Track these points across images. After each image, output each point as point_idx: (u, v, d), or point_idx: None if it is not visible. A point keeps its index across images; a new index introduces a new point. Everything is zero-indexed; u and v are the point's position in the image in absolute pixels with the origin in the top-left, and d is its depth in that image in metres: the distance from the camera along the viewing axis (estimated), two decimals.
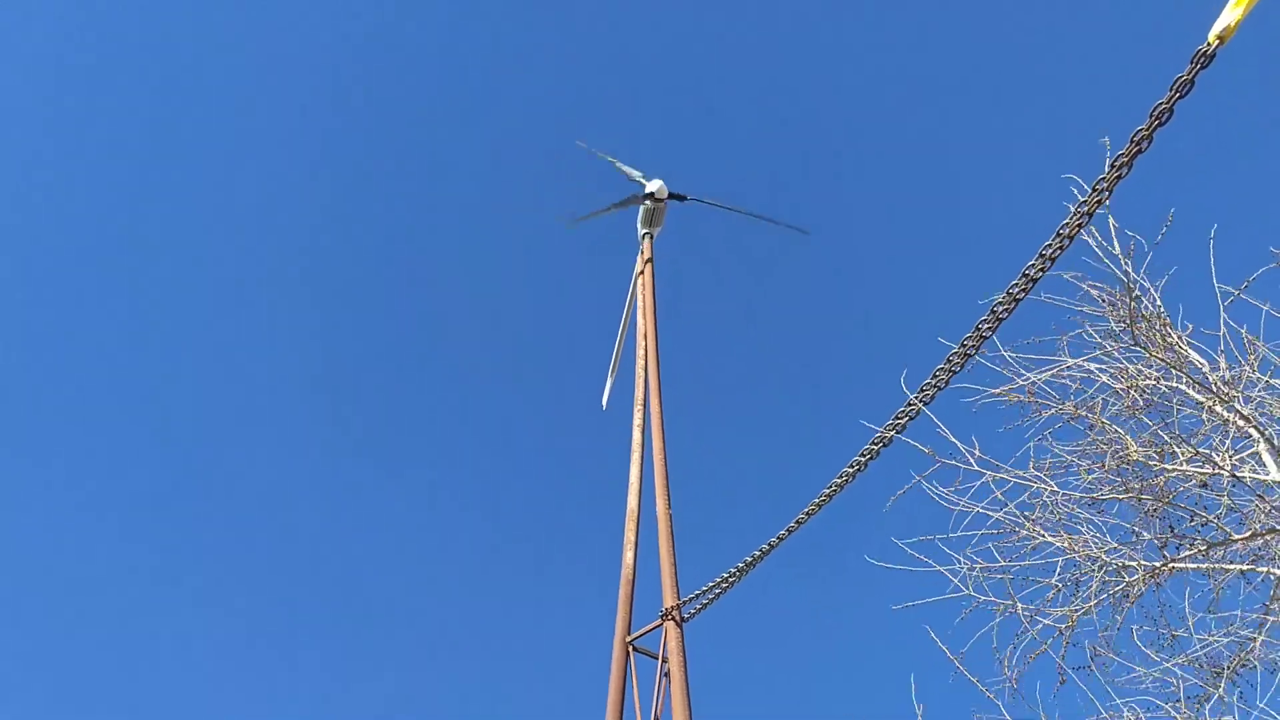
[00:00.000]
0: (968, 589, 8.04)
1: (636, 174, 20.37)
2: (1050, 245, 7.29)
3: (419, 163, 46.92)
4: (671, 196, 19.70)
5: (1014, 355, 7.92)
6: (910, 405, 8.55)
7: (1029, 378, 7.88)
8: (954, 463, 7.83)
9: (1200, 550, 7.89)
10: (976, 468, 7.76)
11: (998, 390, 7.96)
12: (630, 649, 15.67)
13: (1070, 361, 7.72)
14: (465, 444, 47.22)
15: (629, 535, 16.97)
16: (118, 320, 45.22)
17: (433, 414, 47.12)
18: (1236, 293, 7.24)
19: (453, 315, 47.68)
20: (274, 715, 39.63)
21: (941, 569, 7.88)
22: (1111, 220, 7.30)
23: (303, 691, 40.48)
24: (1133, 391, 7.63)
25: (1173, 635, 8.16)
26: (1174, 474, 7.60)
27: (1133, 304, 7.27)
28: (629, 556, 16.73)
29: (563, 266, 44.51)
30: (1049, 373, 7.83)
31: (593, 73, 47.62)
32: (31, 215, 43.24)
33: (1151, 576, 7.91)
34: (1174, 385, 7.50)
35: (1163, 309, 7.50)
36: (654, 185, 19.79)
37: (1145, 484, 7.73)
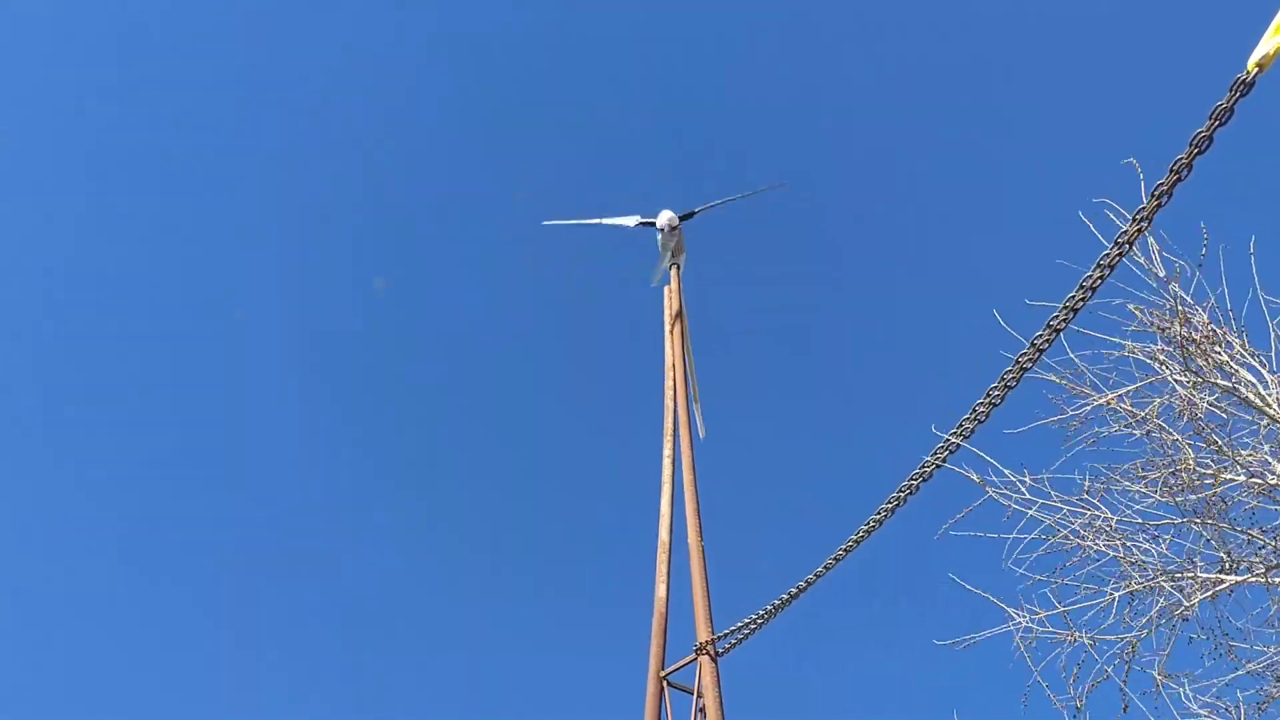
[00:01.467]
0: (1023, 618, 7.88)
1: (630, 221, 20.52)
2: (1090, 276, 7.20)
3: (439, 165, 47.10)
4: (683, 219, 19.81)
5: (1063, 379, 7.81)
6: (949, 440, 8.42)
7: (1082, 401, 7.76)
8: (1004, 491, 7.70)
9: (1259, 574, 7.75)
10: (1028, 495, 7.64)
11: (1053, 421, 7.83)
12: (664, 684, 15.46)
13: (1125, 389, 7.59)
14: (497, 477, 47.17)
15: (661, 568, 16.79)
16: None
17: (464, 446, 47.12)
18: None
19: (485, 340, 47.74)
20: None
21: (1000, 603, 7.73)
22: (1152, 242, 7.22)
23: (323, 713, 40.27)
24: (1189, 410, 7.50)
25: (1231, 647, 8.01)
26: (1231, 483, 7.45)
27: (1182, 328, 7.17)
28: (661, 590, 16.54)
29: (602, 287, 44.43)
30: (1104, 399, 7.71)
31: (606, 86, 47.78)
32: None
33: (1209, 593, 7.77)
34: (1227, 404, 7.38)
35: (1211, 327, 7.39)
36: (662, 219, 19.87)
37: (1201, 497, 7.58)
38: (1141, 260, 7.33)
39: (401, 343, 47.60)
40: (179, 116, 44.57)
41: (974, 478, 7.78)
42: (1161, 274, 7.19)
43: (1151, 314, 7.49)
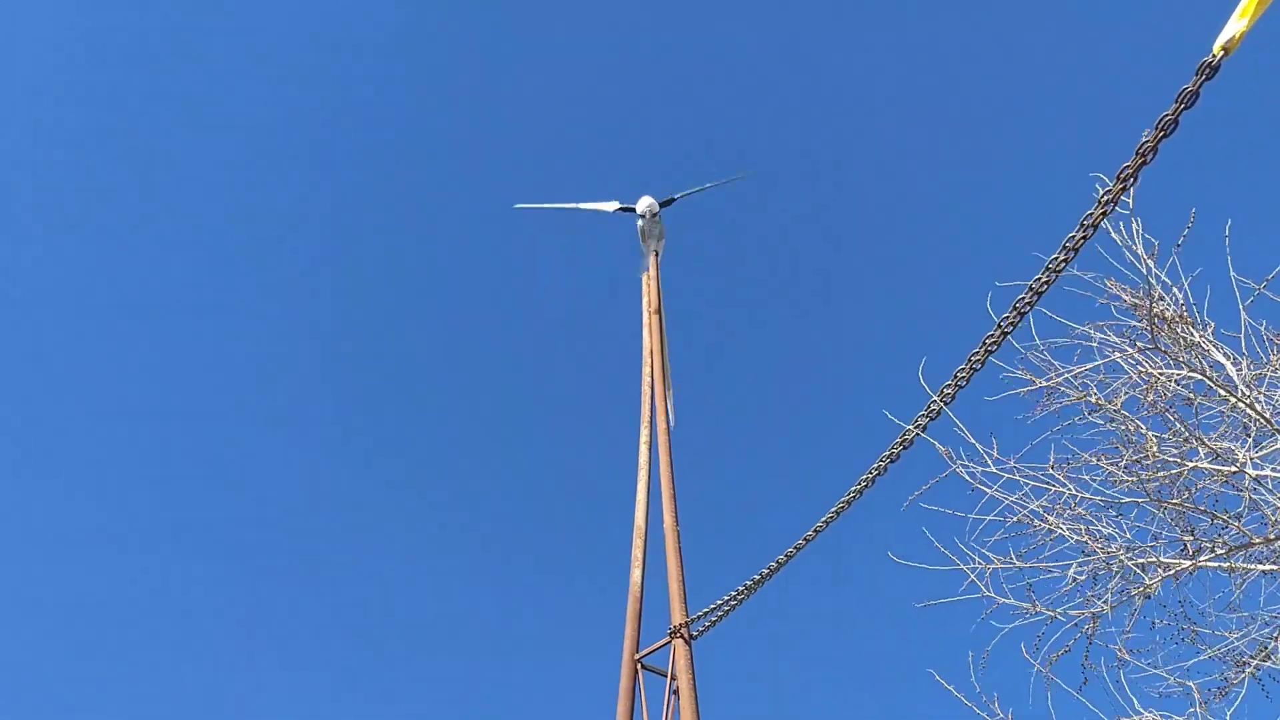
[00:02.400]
0: (988, 590, 8.02)
1: (609, 206, 20.47)
2: (1074, 236, 7.30)
3: (427, 163, 47.09)
4: (663, 205, 19.84)
5: (1034, 355, 7.93)
6: (930, 409, 8.56)
7: (1050, 376, 7.89)
8: (972, 465, 7.83)
9: (1222, 553, 7.89)
10: (994, 469, 7.77)
11: (1022, 391, 7.95)
12: (639, 667, 15.55)
13: (1091, 364, 7.71)
14: (473, 464, 47.18)
15: (636, 552, 16.87)
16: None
17: (440, 434, 47.09)
18: (1259, 289, 7.27)
19: (459, 325, 47.71)
20: None
21: (963, 566, 7.85)
22: (1136, 222, 7.34)
23: (309, 704, 40.18)
24: (1153, 391, 7.64)
25: (1194, 632, 8.15)
26: (1195, 470, 7.60)
27: (1154, 305, 7.29)
28: (636, 574, 16.62)
29: (573, 274, 44.50)
30: (1070, 372, 7.83)
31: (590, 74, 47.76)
32: (39, 212, 43.29)
33: (1171, 576, 7.91)
34: (1196, 380, 7.51)
35: (1184, 308, 7.52)
36: (643, 205, 19.90)
37: (1165, 479, 7.73)
38: (1118, 239, 7.43)
39: (377, 331, 47.51)
40: (179, 113, 44.29)
41: (941, 449, 7.90)
42: (1140, 251, 7.30)
43: (1124, 290, 7.61)
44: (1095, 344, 7.68)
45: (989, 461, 7.77)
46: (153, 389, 45.46)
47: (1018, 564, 7.85)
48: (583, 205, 20.82)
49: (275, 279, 47.06)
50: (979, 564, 7.86)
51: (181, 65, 44.55)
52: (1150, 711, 7.52)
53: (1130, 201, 6.73)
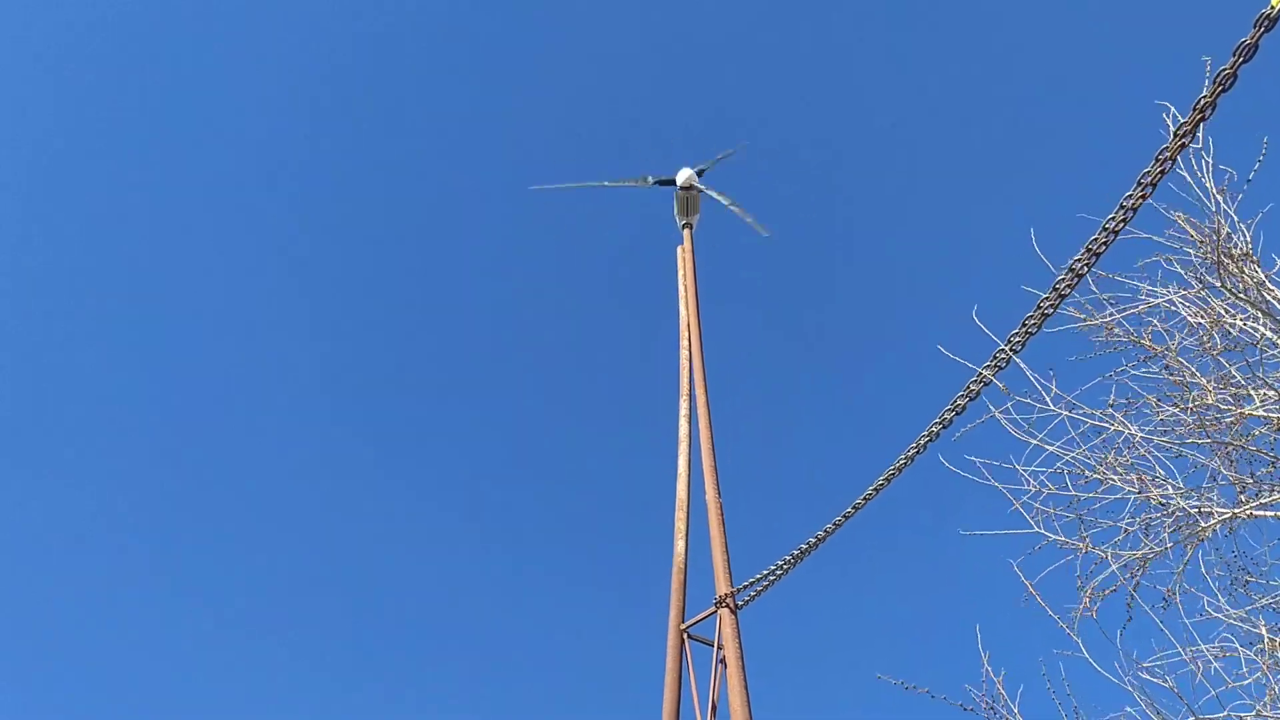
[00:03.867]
0: (1037, 526, 8.01)
1: (634, 182, 20.31)
2: (1149, 172, 7.23)
3: (436, 152, 47.14)
4: (700, 173, 19.68)
5: (1096, 294, 7.87)
6: (998, 357, 8.47)
7: (1109, 313, 7.83)
8: (1029, 400, 7.78)
9: (1277, 499, 7.84)
10: (1052, 407, 7.71)
11: (1078, 326, 7.90)
12: (685, 637, 15.64)
13: (1150, 301, 7.63)
14: (517, 441, 47.39)
15: (679, 525, 16.95)
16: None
17: (485, 412, 47.29)
18: None
19: (498, 304, 47.85)
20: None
21: (1010, 496, 7.83)
22: (1207, 156, 7.22)
23: (352, 686, 40.59)
24: (1213, 331, 7.58)
25: (1247, 580, 8.10)
26: (1250, 417, 7.54)
27: (1220, 240, 7.22)
28: (680, 545, 16.71)
29: (610, 252, 44.43)
30: (1130, 310, 7.78)
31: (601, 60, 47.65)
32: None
33: (1226, 522, 7.86)
34: (1256, 326, 7.44)
35: (1251, 247, 7.44)
36: (682, 176, 19.79)
37: (1223, 425, 7.67)
38: (1186, 176, 7.31)
39: (419, 306, 47.65)
40: (175, 110, 44.47)
41: (999, 384, 7.85)
42: (1210, 185, 7.21)
43: (1192, 223, 7.52)
44: (1154, 288, 7.61)
45: (1046, 399, 7.71)
46: (191, 377, 45.83)
47: (1070, 496, 7.78)
48: (609, 183, 20.69)
49: (296, 265, 47.33)
50: (1031, 486, 7.83)
51: (195, 30, 44.73)
52: (1210, 646, 7.50)
53: (1201, 135, 6.65)
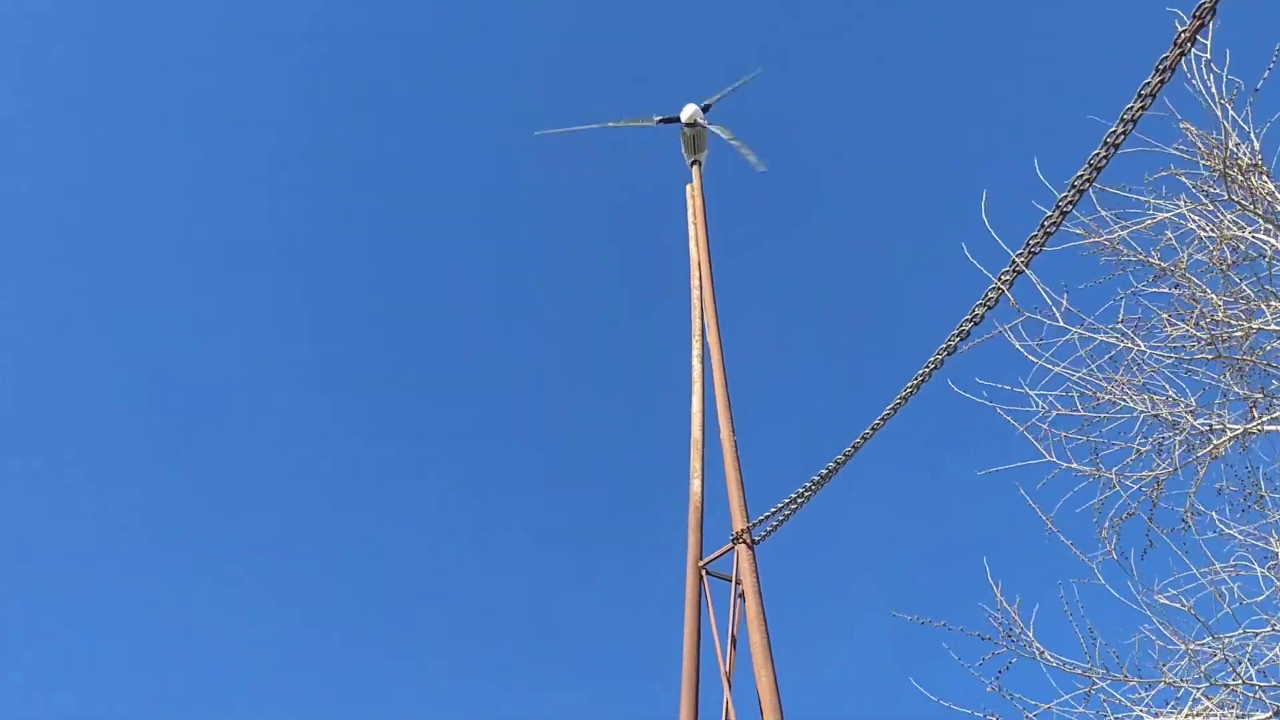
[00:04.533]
0: (1049, 455, 7.98)
1: (638, 121, 20.07)
2: (1149, 83, 7.05)
3: (440, 94, 46.76)
4: (705, 110, 19.45)
5: (1101, 213, 7.76)
6: (1014, 265, 8.26)
7: (1115, 230, 7.72)
8: (1039, 317, 7.69)
9: None
10: (1062, 323, 7.62)
11: (1085, 244, 7.79)
12: (704, 573, 15.78)
13: (1158, 216, 7.51)
14: (532, 383, 47.60)
15: (695, 464, 17.03)
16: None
17: (498, 355, 47.43)
18: None
19: (509, 249, 47.74)
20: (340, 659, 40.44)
21: (1015, 419, 7.80)
22: (1216, 68, 7.05)
23: (387, 626, 41.28)
24: (1222, 244, 7.46)
25: (1261, 496, 8.06)
26: (1261, 331, 7.45)
27: (1227, 151, 7.08)
28: (696, 484, 16.80)
29: (619, 193, 44.13)
30: (1137, 226, 7.66)
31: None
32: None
33: (1239, 438, 7.82)
34: (1266, 239, 7.31)
35: (1260, 157, 7.29)
36: (686, 113, 19.56)
37: (1233, 340, 7.58)
38: (1194, 82, 7.14)
39: (431, 249, 47.57)
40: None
41: (1010, 296, 7.76)
42: (1215, 94, 7.05)
43: (1199, 133, 7.37)
44: (1160, 202, 7.47)
45: (1058, 317, 7.62)
46: (204, 356, 46.11)
47: (1082, 416, 7.74)
48: (613, 123, 20.45)
49: (302, 210, 47.30)
50: (1040, 407, 7.79)
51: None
52: (1229, 562, 7.50)
53: (1208, 42, 6.48)
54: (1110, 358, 7.76)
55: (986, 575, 8.57)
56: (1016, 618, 8.34)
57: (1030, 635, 8.37)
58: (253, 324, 46.36)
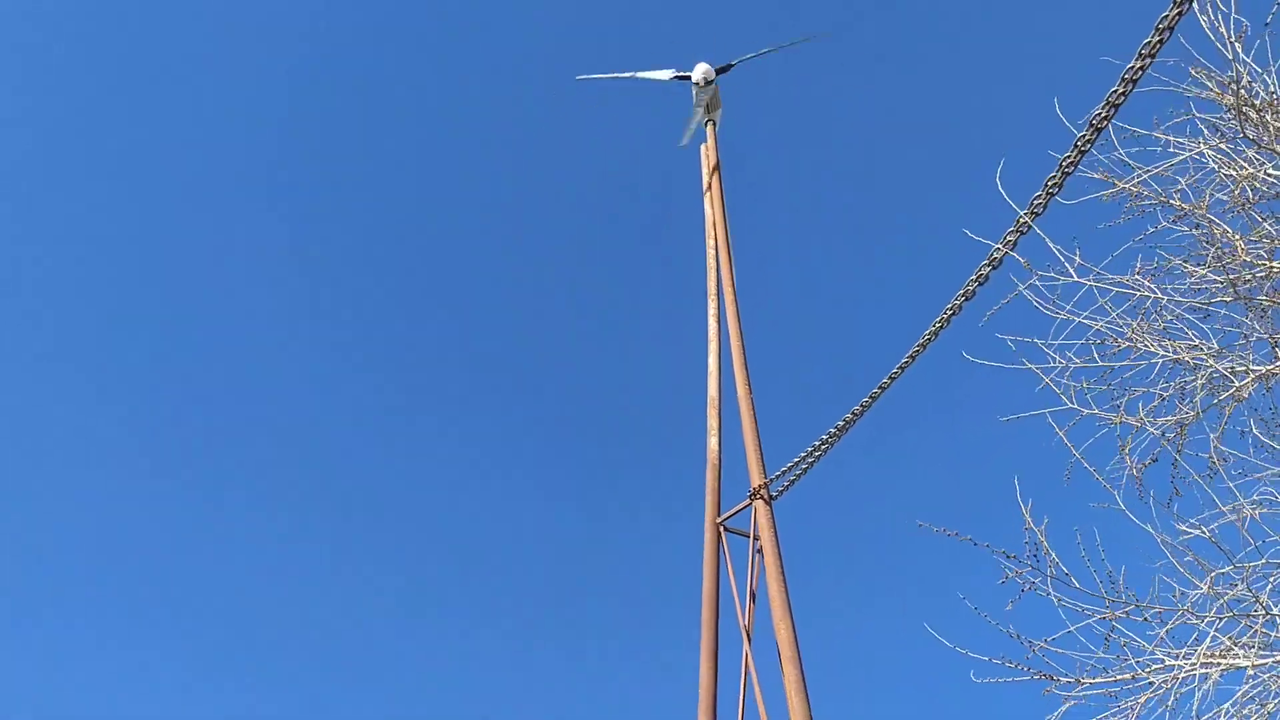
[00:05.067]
0: (1070, 401, 8.00)
1: (664, 75, 19.95)
2: (1150, 43, 7.08)
3: (442, 85, 46.64)
4: (719, 72, 19.31)
5: (1122, 151, 7.73)
6: (1020, 224, 8.30)
7: (1132, 176, 7.71)
8: (1053, 274, 7.73)
9: None
10: (1076, 277, 7.65)
11: (1104, 194, 7.79)
12: (721, 530, 15.92)
13: (1175, 159, 7.49)
14: (544, 342, 47.65)
15: (711, 422, 17.10)
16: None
17: (509, 318, 47.43)
18: None
19: (521, 206, 47.62)
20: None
21: (1038, 369, 7.82)
22: (1224, 6, 7.03)
23: (401, 582, 41.75)
24: (1241, 184, 7.44)
25: None
26: None
27: (1241, 89, 7.05)
28: (713, 442, 16.88)
29: (638, 148, 43.76)
30: (1152, 170, 7.65)
31: None
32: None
33: (1262, 379, 7.83)
34: None
35: (1276, 95, 7.26)
36: (698, 72, 19.39)
37: (1254, 281, 7.58)
38: (1204, 21, 7.11)
39: (430, 211, 47.52)
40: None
41: (1020, 259, 7.80)
42: (1227, 34, 7.01)
43: (1211, 76, 7.35)
44: (1180, 140, 7.45)
45: (1071, 271, 7.66)
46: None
47: (1102, 367, 7.77)
48: (640, 74, 20.37)
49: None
50: (1058, 361, 7.82)
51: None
52: (1255, 496, 7.53)
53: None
54: (1130, 305, 7.78)
55: (1016, 495, 8.48)
56: (1043, 539, 8.24)
57: (1054, 557, 8.28)
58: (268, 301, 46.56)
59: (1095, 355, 8.01)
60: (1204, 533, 7.36)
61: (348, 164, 47.22)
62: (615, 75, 20.54)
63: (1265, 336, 7.91)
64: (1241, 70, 6.98)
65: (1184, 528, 7.41)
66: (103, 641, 39.31)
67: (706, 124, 19.39)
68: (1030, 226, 8.60)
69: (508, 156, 47.26)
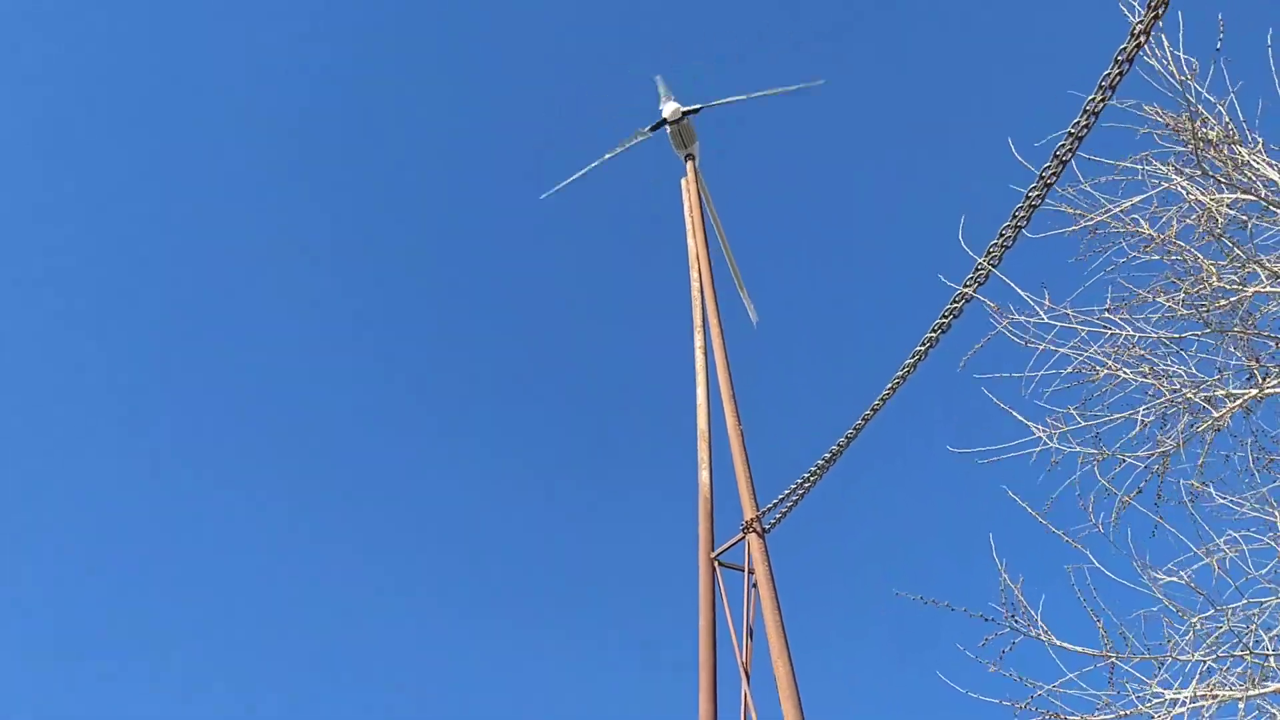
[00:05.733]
0: (1050, 440, 7.95)
1: (631, 141, 19.90)
2: (1109, 74, 7.10)
3: (450, 110, 46.90)
4: (686, 113, 19.38)
5: (1078, 194, 7.74)
6: (978, 271, 8.41)
7: (1102, 210, 7.69)
8: (1024, 317, 7.71)
9: None
10: (1047, 319, 7.64)
11: (1068, 231, 7.78)
12: (715, 564, 15.81)
13: (1136, 198, 7.49)
14: (536, 375, 47.75)
15: (702, 455, 17.04)
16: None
17: (502, 354, 47.61)
18: None
19: (520, 236, 47.80)
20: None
21: (1020, 418, 7.80)
22: (1167, 43, 7.07)
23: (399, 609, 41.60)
24: (1207, 216, 7.42)
25: (1269, 460, 8.03)
26: (1256, 294, 7.42)
27: (1197, 126, 7.05)
28: (704, 475, 16.81)
29: (620, 187, 43.97)
30: (1119, 208, 7.63)
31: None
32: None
33: (1241, 406, 7.79)
34: (1249, 201, 7.28)
35: (1230, 128, 7.27)
36: (668, 110, 19.50)
37: (1226, 308, 7.56)
38: (1156, 64, 7.14)
39: (425, 243, 47.76)
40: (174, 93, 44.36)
41: (991, 305, 7.78)
42: (1176, 77, 7.05)
43: (1166, 116, 7.36)
44: (1141, 176, 7.46)
45: (1041, 313, 7.64)
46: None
47: (1080, 409, 7.74)
48: (610, 154, 20.21)
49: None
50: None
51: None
52: (1230, 532, 7.48)
53: (1161, 22, 6.48)
54: (1105, 342, 7.76)
55: (991, 553, 8.52)
56: (1020, 596, 8.29)
57: (1036, 614, 8.31)
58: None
59: (1072, 407, 7.99)
60: (1183, 579, 7.31)
61: (348, 166, 47.67)
62: (583, 171, 20.31)
63: (1245, 364, 7.87)
64: (1196, 106, 6.99)
65: (1162, 575, 7.35)
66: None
67: (686, 159, 19.46)
68: (999, 260, 8.61)
69: (497, 198, 47.55)
